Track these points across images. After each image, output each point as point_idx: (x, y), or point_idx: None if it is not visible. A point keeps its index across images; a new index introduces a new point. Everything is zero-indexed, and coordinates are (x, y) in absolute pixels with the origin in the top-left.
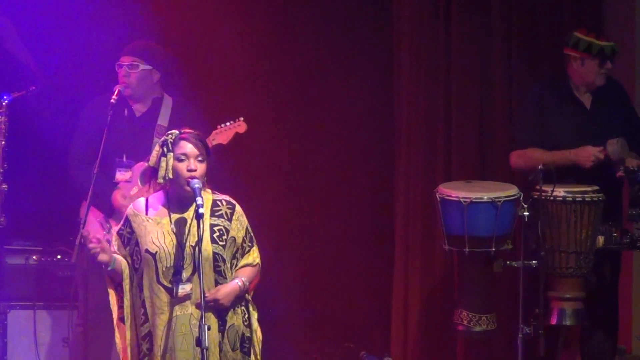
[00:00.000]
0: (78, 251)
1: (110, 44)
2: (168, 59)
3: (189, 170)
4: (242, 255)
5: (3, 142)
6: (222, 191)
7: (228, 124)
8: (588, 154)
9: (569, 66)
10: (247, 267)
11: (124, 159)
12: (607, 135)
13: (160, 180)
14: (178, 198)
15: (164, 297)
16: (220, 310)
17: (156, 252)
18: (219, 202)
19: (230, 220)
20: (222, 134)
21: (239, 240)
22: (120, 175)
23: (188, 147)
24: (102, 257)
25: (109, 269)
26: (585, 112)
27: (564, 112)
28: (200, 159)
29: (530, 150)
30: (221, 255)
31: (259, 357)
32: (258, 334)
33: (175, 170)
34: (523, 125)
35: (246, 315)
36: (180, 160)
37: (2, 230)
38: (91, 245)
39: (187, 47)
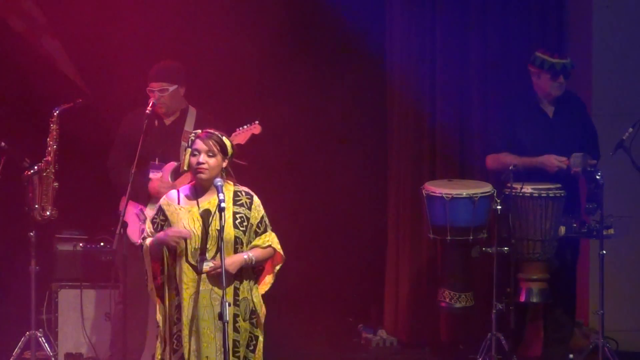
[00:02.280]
0: (118, 239)
1: (141, 62)
2: (187, 72)
3: (198, 164)
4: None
5: (55, 146)
6: (242, 184)
7: (245, 126)
8: (552, 164)
9: (533, 80)
10: (257, 248)
11: (157, 162)
12: (567, 140)
13: (181, 171)
14: (201, 188)
15: (191, 274)
16: (228, 277)
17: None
18: (239, 193)
19: (249, 208)
20: (240, 136)
21: (255, 227)
22: (153, 175)
23: (199, 144)
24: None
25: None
26: (549, 120)
27: (530, 120)
28: (210, 154)
29: (503, 155)
30: (240, 239)
31: (261, 329)
32: (263, 310)
33: (190, 164)
34: (497, 133)
35: (253, 292)
36: (194, 155)
37: (53, 221)
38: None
39: (205, 61)
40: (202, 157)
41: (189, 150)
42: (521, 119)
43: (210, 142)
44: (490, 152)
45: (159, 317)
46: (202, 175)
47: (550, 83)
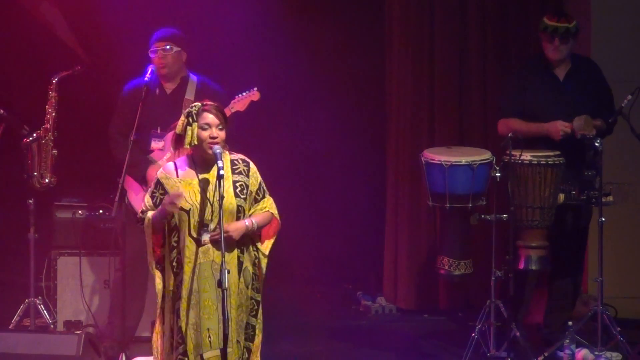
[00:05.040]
0: (117, 206)
1: (139, 30)
2: (189, 42)
3: (212, 138)
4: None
5: (54, 114)
6: (241, 151)
7: (244, 93)
8: (557, 129)
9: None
10: (257, 214)
11: (159, 131)
12: (577, 104)
13: (186, 146)
14: (202, 160)
15: (193, 247)
16: (231, 243)
17: (189, 209)
18: (236, 161)
19: (247, 176)
20: (240, 102)
21: (254, 194)
22: (155, 144)
23: (210, 118)
24: (173, 209)
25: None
26: (559, 83)
27: (541, 83)
28: (220, 127)
29: (511, 121)
30: (242, 207)
31: (261, 293)
32: (263, 275)
33: (199, 137)
34: (507, 98)
35: (256, 260)
36: (204, 129)
37: (52, 189)
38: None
39: (203, 29)
40: (215, 131)
41: (196, 124)
42: (532, 82)
43: (221, 115)
44: (501, 117)
45: (159, 289)
46: (216, 149)
47: (547, 46)
